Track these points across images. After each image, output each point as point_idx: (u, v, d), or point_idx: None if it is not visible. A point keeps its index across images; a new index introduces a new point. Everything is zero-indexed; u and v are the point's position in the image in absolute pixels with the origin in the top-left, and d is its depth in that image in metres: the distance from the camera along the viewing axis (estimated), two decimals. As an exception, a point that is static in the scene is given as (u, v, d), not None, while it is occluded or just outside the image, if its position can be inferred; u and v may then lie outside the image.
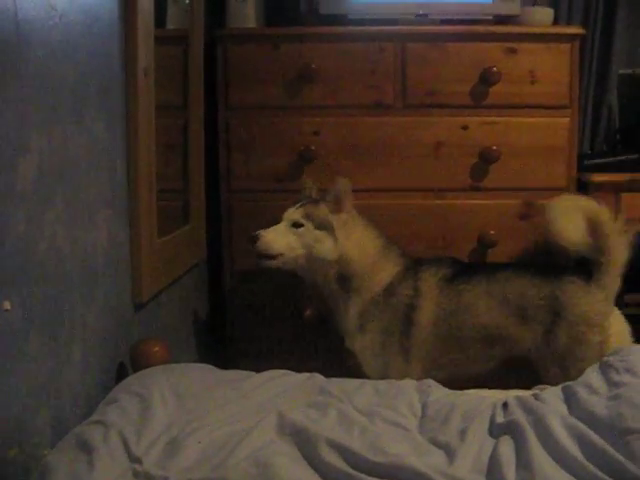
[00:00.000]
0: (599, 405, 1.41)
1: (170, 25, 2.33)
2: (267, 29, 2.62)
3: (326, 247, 2.14)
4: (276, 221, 2.19)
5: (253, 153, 2.51)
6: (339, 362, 2.53)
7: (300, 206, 2.17)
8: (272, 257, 2.14)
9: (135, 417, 1.44)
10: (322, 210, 2.16)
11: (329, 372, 1.85)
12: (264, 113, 2.51)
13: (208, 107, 2.51)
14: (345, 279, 2.17)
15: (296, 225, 2.14)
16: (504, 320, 2.15)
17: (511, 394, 1.64)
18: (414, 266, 2.22)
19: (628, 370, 1.48)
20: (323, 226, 2.15)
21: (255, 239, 2.13)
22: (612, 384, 1.47)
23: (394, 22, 2.57)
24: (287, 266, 2.18)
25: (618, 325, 2.17)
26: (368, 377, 2.00)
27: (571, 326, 2.11)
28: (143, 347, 1.76)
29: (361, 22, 2.57)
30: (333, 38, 2.50)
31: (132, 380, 1.62)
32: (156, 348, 1.76)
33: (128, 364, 1.78)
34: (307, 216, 2.15)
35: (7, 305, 1.23)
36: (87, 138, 1.58)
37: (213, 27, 2.54)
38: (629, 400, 1.38)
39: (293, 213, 2.16)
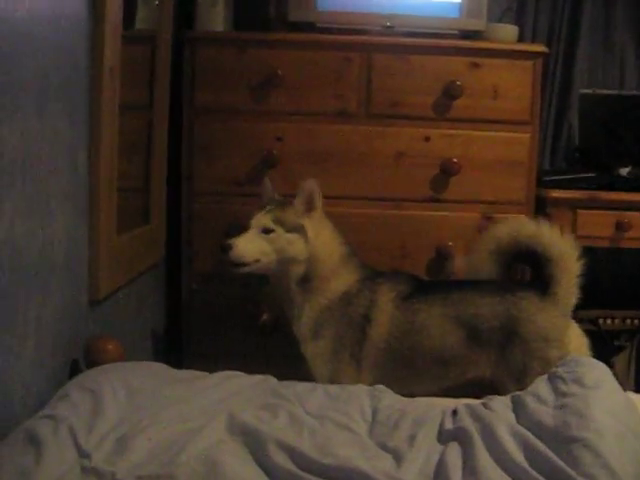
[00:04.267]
0: (546, 414, 1.44)
1: (139, 25, 2.33)
2: (235, 33, 2.63)
3: (298, 248, 2.13)
4: (240, 226, 2.18)
5: (216, 156, 2.51)
6: (294, 368, 2.55)
7: (268, 211, 2.15)
8: (245, 264, 2.13)
9: (86, 412, 1.43)
10: (291, 213, 2.14)
11: (284, 377, 1.87)
12: (228, 116, 2.51)
13: (173, 108, 2.51)
14: (307, 280, 2.16)
15: (266, 231, 2.12)
16: (458, 342, 2.13)
17: (461, 402, 1.66)
18: (373, 278, 2.20)
19: (575, 381, 1.51)
20: (294, 228, 2.13)
21: (227, 248, 2.10)
22: (559, 394, 1.49)
23: (361, 32, 2.60)
24: (259, 271, 2.18)
25: (576, 339, 2.17)
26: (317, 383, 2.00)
27: (528, 343, 2.10)
28: (97, 344, 1.75)
29: (329, 31, 2.59)
30: (300, 45, 2.52)
31: (84, 376, 1.61)
32: (110, 346, 1.75)
33: (82, 361, 1.77)
34: (277, 221, 2.13)
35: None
36: (49, 132, 1.58)
37: (182, 29, 2.55)
38: (575, 409, 1.41)
39: (262, 218, 2.14)
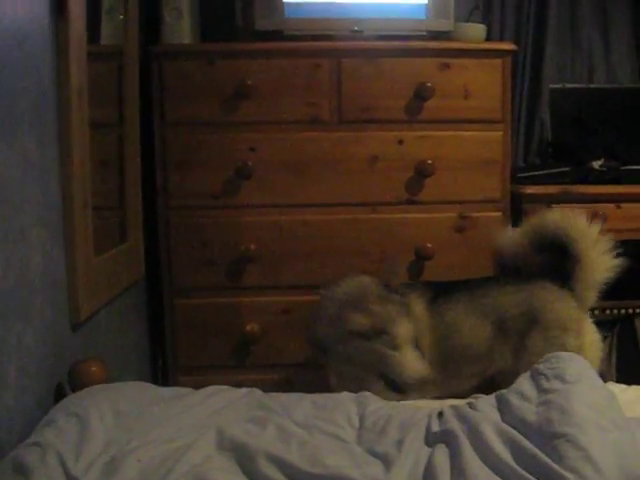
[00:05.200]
0: (529, 411, 1.45)
1: (104, 41, 2.32)
2: (202, 45, 2.63)
3: None
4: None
5: (189, 169, 2.51)
6: (281, 377, 2.56)
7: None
8: None
9: (73, 437, 1.43)
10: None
11: (270, 387, 1.87)
12: (200, 129, 2.51)
13: (145, 123, 2.50)
14: None
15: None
16: (486, 335, 2.16)
17: (447, 403, 1.67)
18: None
19: (557, 377, 1.53)
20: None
21: None
22: (542, 391, 1.51)
23: (330, 38, 2.60)
24: None
25: (591, 335, 2.20)
26: None
27: (547, 330, 2.13)
28: (81, 367, 1.74)
29: (297, 38, 2.60)
30: (269, 54, 2.52)
31: (69, 400, 1.60)
32: (94, 368, 1.74)
33: (66, 385, 1.76)
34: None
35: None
36: (19, 157, 1.57)
37: (148, 43, 2.54)
38: (557, 405, 1.42)
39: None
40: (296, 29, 2.62)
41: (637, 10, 3.18)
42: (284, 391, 1.81)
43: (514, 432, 1.41)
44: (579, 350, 2.06)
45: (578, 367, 1.57)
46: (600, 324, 3.04)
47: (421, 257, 2.55)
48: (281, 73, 2.51)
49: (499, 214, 2.59)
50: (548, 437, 1.36)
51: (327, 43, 2.57)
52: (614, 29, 3.16)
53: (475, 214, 2.57)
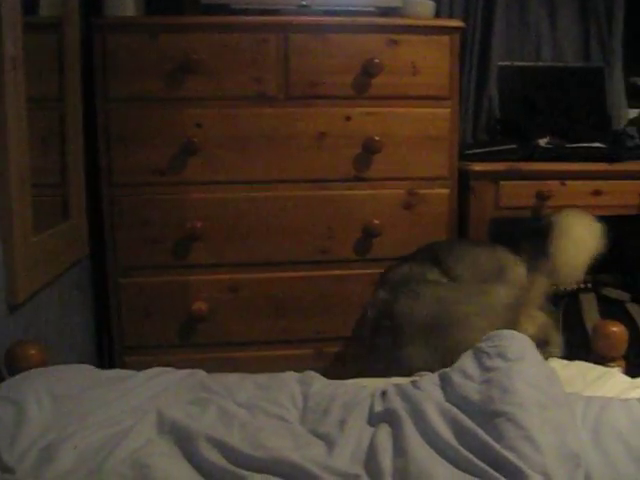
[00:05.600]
0: (472, 390, 1.46)
1: (44, 12, 2.25)
2: (146, 18, 2.56)
3: None
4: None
5: (134, 146, 2.45)
6: (228, 355, 2.54)
7: None
8: None
9: (8, 424, 1.39)
10: None
11: (217, 366, 1.85)
12: (144, 105, 2.45)
13: (87, 98, 2.44)
14: None
15: None
16: None
17: (391, 382, 1.68)
18: None
19: (499, 355, 1.54)
20: None
21: None
22: (484, 369, 1.52)
23: (277, 12, 2.56)
24: None
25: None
26: None
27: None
28: (18, 350, 1.70)
29: (243, 12, 2.55)
30: (214, 28, 2.46)
31: (6, 385, 1.55)
32: (32, 351, 1.70)
33: (3, 369, 1.71)
34: None
35: None
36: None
37: (90, 15, 2.46)
38: (499, 384, 1.43)
39: None
40: (243, 3, 2.57)
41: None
42: (231, 370, 1.79)
43: (456, 411, 1.41)
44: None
45: (520, 345, 1.58)
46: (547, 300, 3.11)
47: (369, 234, 2.55)
48: (227, 48, 2.46)
49: (447, 191, 2.59)
50: (489, 416, 1.36)
51: (274, 18, 2.53)
52: (561, 9, 3.18)
53: (423, 191, 2.57)
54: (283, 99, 2.49)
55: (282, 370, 1.79)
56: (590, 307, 3.05)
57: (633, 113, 3.15)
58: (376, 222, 2.54)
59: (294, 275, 2.57)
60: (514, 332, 1.65)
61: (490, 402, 1.39)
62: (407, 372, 1.84)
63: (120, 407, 1.49)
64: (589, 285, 3.16)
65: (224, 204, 2.50)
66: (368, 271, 2.57)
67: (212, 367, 1.82)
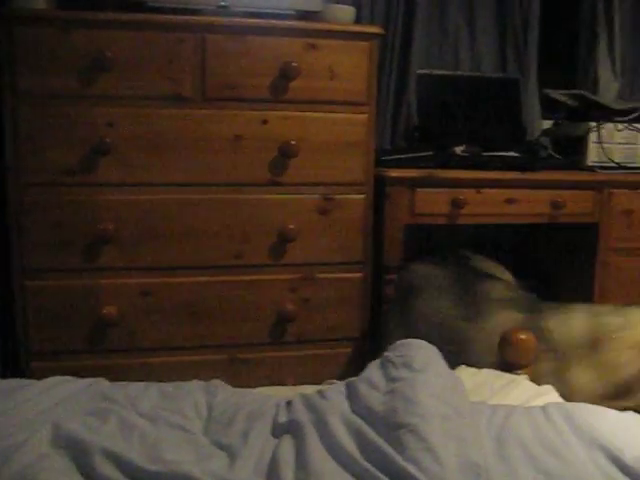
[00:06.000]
0: (376, 400, 1.46)
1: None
2: (58, 12, 2.47)
3: None
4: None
5: (43, 145, 2.36)
6: (139, 361, 2.48)
7: None
8: None
9: None
10: None
11: (127, 373, 1.80)
12: (55, 102, 2.36)
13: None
14: None
15: None
16: None
17: (300, 390, 1.66)
18: None
19: (405, 365, 1.54)
20: None
21: None
22: (390, 379, 1.52)
23: (195, 12, 2.52)
24: None
25: None
26: None
27: None
28: None
29: (160, 10, 2.49)
30: (130, 26, 2.39)
31: None
32: None
33: None
34: None
35: None
36: None
37: (-3, 5, 2.37)
38: (403, 395, 1.43)
39: None
40: (160, 1, 2.51)
41: (502, 2, 3.27)
42: (142, 377, 1.75)
43: (361, 422, 1.41)
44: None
45: (426, 355, 1.59)
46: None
47: (284, 239, 2.53)
48: (142, 46, 2.39)
49: (362, 197, 2.60)
50: (393, 427, 1.37)
51: (191, 17, 2.47)
52: (480, 19, 3.24)
53: (339, 196, 2.57)
54: (199, 101, 2.44)
55: (195, 376, 1.76)
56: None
57: (547, 124, 3.23)
58: (291, 227, 2.52)
59: (208, 280, 2.52)
60: (421, 342, 1.66)
61: (393, 413, 1.39)
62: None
63: (14, 419, 1.43)
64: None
65: (137, 206, 2.44)
66: (282, 276, 2.56)
67: (122, 374, 1.78)
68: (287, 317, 2.57)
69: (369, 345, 2.65)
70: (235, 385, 1.75)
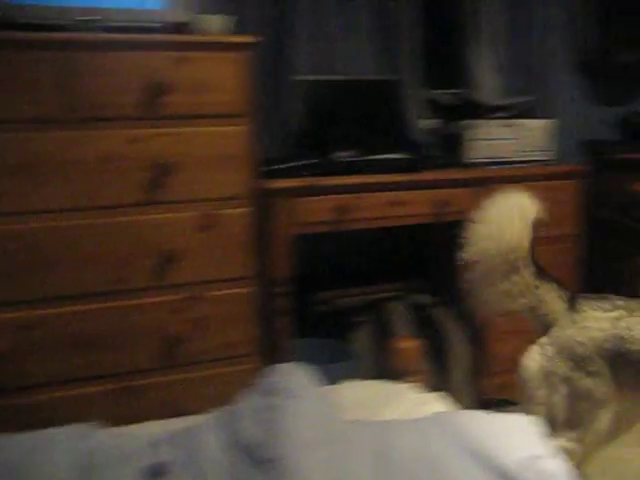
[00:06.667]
0: (248, 432, 1.41)
1: None
2: None
3: None
4: None
5: None
6: (23, 403, 2.36)
7: None
8: None
9: None
10: None
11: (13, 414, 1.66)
12: None
13: None
14: None
15: None
16: None
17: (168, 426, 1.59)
18: None
19: (278, 391, 1.49)
20: None
21: None
22: (262, 408, 1.46)
23: (55, 29, 2.39)
24: None
25: None
26: None
27: None
28: None
29: (18, 27, 2.36)
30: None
31: None
32: None
33: None
34: None
35: None
36: None
37: None
38: (274, 425, 1.38)
39: None
40: (16, 17, 2.38)
41: (382, 3, 3.27)
42: (28, 417, 1.62)
43: (233, 457, 1.36)
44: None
45: (298, 380, 1.54)
46: (359, 310, 3.15)
47: (164, 259, 2.44)
48: (0, 66, 2.26)
49: (244, 210, 2.53)
50: (264, 459, 1.32)
51: (51, 34, 2.35)
52: (358, 23, 3.23)
53: (220, 212, 2.50)
54: (63, 122, 2.32)
55: (85, 409, 1.64)
56: (399, 316, 3.11)
57: (430, 124, 3.25)
58: (171, 247, 2.44)
59: (89, 308, 2.41)
60: (294, 366, 1.61)
61: (265, 445, 1.34)
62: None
63: None
64: (398, 293, 3.24)
65: (6, 237, 2.31)
66: (167, 298, 2.47)
67: (11, 414, 1.64)
68: (173, 339, 2.48)
69: (263, 360, 2.60)
70: (128, 414, 1.67)
